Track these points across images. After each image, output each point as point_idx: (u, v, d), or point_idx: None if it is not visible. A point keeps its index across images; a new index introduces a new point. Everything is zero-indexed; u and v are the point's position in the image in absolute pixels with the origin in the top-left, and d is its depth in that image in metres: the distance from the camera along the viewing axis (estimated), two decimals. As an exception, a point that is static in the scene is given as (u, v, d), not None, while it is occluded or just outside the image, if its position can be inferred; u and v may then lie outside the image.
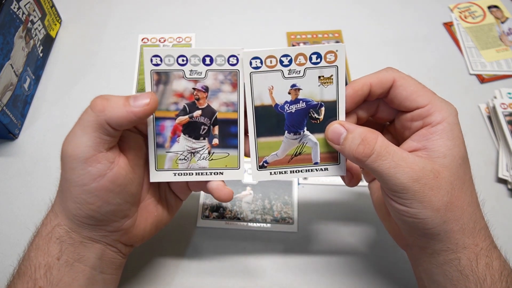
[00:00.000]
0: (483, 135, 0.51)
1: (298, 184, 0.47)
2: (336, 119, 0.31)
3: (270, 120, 0.31)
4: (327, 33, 0.60)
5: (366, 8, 0.64)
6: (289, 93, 0.30)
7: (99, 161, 0.28)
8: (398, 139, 0.33)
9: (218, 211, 0.45)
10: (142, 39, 0.59)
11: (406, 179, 0.27)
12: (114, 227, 0.31)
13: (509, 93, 0.54)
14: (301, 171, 0.32)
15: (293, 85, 0.30)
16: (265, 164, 0.32)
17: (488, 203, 0.45)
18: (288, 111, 0.31)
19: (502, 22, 0.61)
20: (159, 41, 0.59)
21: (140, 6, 0.63)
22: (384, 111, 0.33)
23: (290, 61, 0.30)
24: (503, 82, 0.56)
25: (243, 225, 0.44)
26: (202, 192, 0.46)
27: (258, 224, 0.44)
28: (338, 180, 0.47)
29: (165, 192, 0.36)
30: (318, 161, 0.32)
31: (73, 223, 0.29)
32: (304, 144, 0.32)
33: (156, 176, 0.32)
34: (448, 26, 0.61)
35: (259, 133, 0.31)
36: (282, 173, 0.32)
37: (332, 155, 0.32)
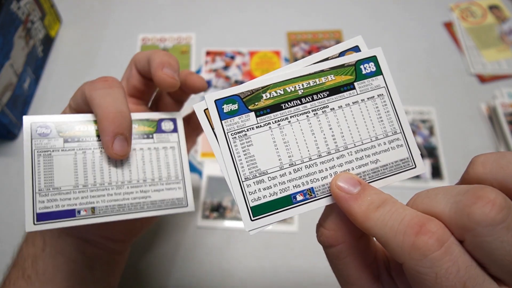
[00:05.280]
0: (483, 135, 0.51)
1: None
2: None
3: None
4: (327, 33, 0.60)
5: (366, 8, 0.64)
6: None
7: None
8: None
9: (218, 211, 0.45)
10: (142, 39, 0.59)
11: None
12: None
13: (510, 93, 0.54)
14: None
15: None
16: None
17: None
18: None
19: (503, 22, 0.61)
20: (159, 41, 0.59)
21: (140, 6, 0.63)
22: None
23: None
24: (503, 82, 0.56)
25: (243, 225, 0.44)
26: (202, 192, 0.46)
27: (258, 224, 0.44)
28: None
29: None
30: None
31: None
32: None
33: None
34: (448, 26, 0.61)
35: None
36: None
37: None
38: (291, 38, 0.59)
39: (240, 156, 0.20)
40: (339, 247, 0.20)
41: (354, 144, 0.21)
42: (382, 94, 0.22)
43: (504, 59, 0.57)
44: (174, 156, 0.28)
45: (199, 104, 0.21)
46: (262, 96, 0.21)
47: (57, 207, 0.25)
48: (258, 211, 0.21)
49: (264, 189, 0.20)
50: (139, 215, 0.26)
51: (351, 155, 0.21)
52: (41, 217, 0.24)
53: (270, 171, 0.20)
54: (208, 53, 0.58)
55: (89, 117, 0.27)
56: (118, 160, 0.26)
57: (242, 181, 0.20)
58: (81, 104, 0.28)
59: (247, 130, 0.21)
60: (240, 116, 0.21)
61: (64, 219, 0.24)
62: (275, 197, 0.20)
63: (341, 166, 0.21)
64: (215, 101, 0.21)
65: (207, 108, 0.21)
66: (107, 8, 0.63)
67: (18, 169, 0.48)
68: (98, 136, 0.27)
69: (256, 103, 0.21)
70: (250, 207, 0.20)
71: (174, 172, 0.28)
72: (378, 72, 0.22)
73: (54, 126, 0.26)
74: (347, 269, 0.20)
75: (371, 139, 0.21)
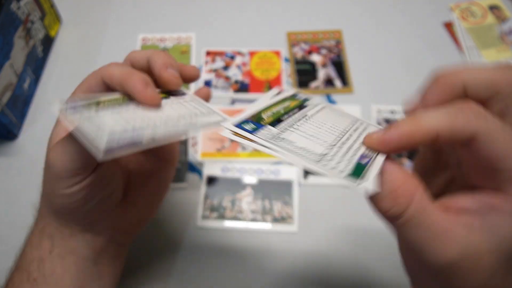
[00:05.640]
0: (483, 135, 0.51)
1: (299, 184, 0.47)
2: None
3: None
4: (327, 33, 0.60)
5: (366, 8, 0.64)
6: None
7: (91, 171, 0.28)
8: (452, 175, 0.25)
9: (218, 211, 0.45)
10: (142, 39, 0.59)
11: (445, 261, 0.20)
12: (99, 217, 0.31)
13: (510, 93, 0.54)
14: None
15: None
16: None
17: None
18: None
19: (503, 22, 0.61)
20: (159, 41, 0.59)
21: (140, 6, 0.63)
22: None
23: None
24: (503, 82, 0.56)
25: (243, 225, 0.44)
26: (202, 192, 0.46)
27: (258, 224, 0.44)
28: (339, 181, 0.47)
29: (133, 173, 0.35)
30: None
31: (58, 218, 0.30)
32: None
33: None
34: (448, 26, 0.61)
35: None
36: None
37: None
38: (291, 38, 0.59)
39: (296, 149, 0.23)
40: (416, 198, 0.20)
41: (345, 129, 0.26)
42: (324, 107, 0.30)
43: (504, 59, 0.57)
44: (195, 101, 0.29)
45: (224, 131, 0.24)
46: (263, 117, 0.26)
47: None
48: (356, 173, 0.21)
49: (337, 163, 0.22)
50: (193, 132, 0.29)
51: (351, 133, 0.26)
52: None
53: (325, 152, 0.23)
54: (208, 53, 0.58)
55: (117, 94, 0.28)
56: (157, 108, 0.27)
57: (317, 162, 0.22)
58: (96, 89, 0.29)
59: (278, 134, 0.24)
60: (262, 129, 0.24)
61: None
62: (352, 164, 0.21)
63: (358, 138, 0.25)
64: (236, 125, 0.24)
65: (234, 132, 0.24)
66: (107, 8, 0.63)
67: (19, 169, 0.48)
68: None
69: (263, 121, 0.25)
70: (348, 174, 0.21)
71: (204, 109, 0.29)
72: (306, 99, 0.31)
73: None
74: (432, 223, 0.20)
75: (351, 125, 0.27)
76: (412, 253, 0.22)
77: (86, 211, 0.29)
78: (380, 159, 0.22)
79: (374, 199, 0.20)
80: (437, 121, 0.20)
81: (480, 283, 0.20)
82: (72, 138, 0.26)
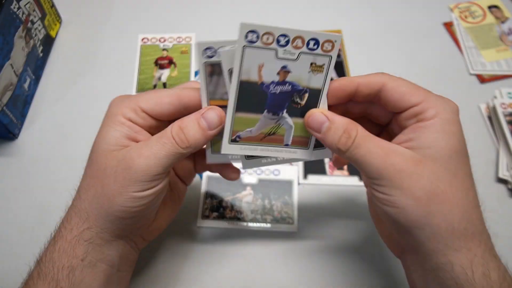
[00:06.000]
0: (483, 135, 0.51)
1: (298, 184, 0.47)
2: (317, 108, 0.31)
3: (252, 97, 0.30)
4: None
5: (366, 8, 0.64)
6: (278, 73, 0.30)
7: (164, 178, 0.30)
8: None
9: (218, 211, 0.45)
10: (142, 39, 0.59)
11: (381, 163, 0.27)
12: (144, 222, 0.33)
13: (509, 93, 0.54)
14: (271, 150, 0.32)
15: (284, 67, 0.30)
16: (238, 139, 0.31)
17: (488, 203, 0.45)
18: (273, 91, 0.30)
19: (502, 22, 0.61)
20: (159, 41, 0.59)
21: (140, 6, 0.63)
22: (380, 111, 0.32)
23: (287, 42, 0.29)
24: (503, 82, 0.56)
25: (243, 225, 0.44)
26: (202, 192, 0.46)
27: (258, 224, 0.44)
28: (339, 180, 0.47)
29: (173, 178, 0.37)
30: (289, 143, 0.32)
31: (109, 222, 0.29)
32: (280, 126, 0.31)
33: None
34: (448, 26, 0.61)
35: (239, 108, 0.30)
36: (251, 149, 0.32)
37: (303, 140, 0.32)
38: (291, 38, 0.59)
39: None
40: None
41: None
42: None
43: (504, 59, 0.57)
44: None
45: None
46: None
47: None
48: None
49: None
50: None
51: None
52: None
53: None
54: (208, 53, 0.58)
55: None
56: None
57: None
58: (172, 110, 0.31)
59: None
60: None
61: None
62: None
63: None
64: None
65: None
66: (107, 8, 0.63)
67: (19, 169, 0.48)
68: None
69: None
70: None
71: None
72: None
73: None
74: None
75: None
76: (366, 180, 0.30)
77: (141, 216, 0.31)
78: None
79: (333, 140, 0.29)
80: (358, 77, 0.30)
81: (426, 189, 0.26)
82: (160, 144, 0.29)
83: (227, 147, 0.31)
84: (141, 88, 0.54)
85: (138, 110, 0.30)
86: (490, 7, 0.63)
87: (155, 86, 0.54)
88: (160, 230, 0.36)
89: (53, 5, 0.58)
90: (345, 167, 0.48)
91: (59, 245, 0.29)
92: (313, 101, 0.31)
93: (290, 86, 0.30)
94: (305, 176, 0.47)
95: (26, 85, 0.51)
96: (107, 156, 0.29)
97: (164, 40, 0.59)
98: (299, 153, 0.33)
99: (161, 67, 0.56)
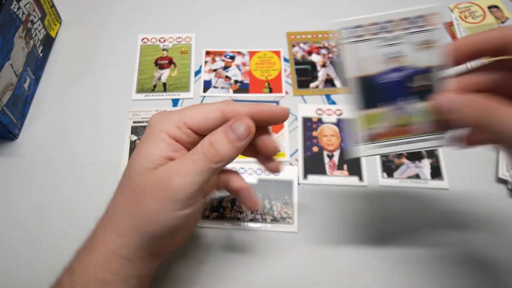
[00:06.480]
0: (483, 135, 0.51)
1: (298, 184, 0.47)
2: (443, 85, 0.29)
3: (373, 90, 0.29)
4: (327, 33, 0.60)
5: (366, 9, 0.64)
6: (389, 61, 0.29)
7: (201, 195, 0.30)
8: None
9: (218, 211, 0.45)
10: (142, 39, 0.59)
11: None
12: (178, 241, 0.33)
13: (509, 93, 0.54)
14: (403, 143, 0.30)
15: (396, 52, 0.29)
16: (369, 138, 0.30)
17: (488, 203, 0.45)
18: (391, 80, 0.29)
19: (502, 22, 0.61)
20: (159, 41, 0.59)
21: (140, 6, 0.63)
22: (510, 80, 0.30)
23: (393, 27, 0.28)
24: (503, 82, 0.56)
25: (243, 225, 0.44)
26: (202, 192, 0.46)
27: (258, 224, 0.44)
28: (339, 181, 0.47)
29: None
30: (423, 131, 0.30)
31: (145, 241, 0.30)
32: (409, 114, 0.30)
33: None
34: (448, 26, 0.61)
35: (363, 105, 0.29)
36: (385, 147, 0.30)
37: (433, 125, 0.30)
38: (291, 38, 0.59)
39: None
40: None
41: None
42: None
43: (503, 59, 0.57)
44: None
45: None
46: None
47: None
48: None
49: None
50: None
51: None
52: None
53: None
54: (208, 53, 0.58)
55: None
56: None
57: None
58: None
59: None
60: None
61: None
62: None
63: None
64: None
65: None
66: (107, 8, 0.63)
67: (19, 169, 0.48)
68: None
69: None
70: None
71: None
72: None
73: None
74: None
75: None
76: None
77: (177, 235, 0.31)
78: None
79: (471, 117, 0.27)
80: (486, 33, 0.29)
81: None
82: (192, 161, 0.29)
83: (360, 150, 0.30)
84: (141, 88, 0.54)
85: (182, 127, 0.30)
86: (490, 7, 0.63)
87: (155, 86, 0.54)
88: (178, 246, 0.35)
89: (53, 5, 0.58)
90: (345, 167, 0.48)
91: (93, 257, 0.29)
92: (435, 81, 0.29)
93: (408, 70, 0.29)
94: (305, 176, 0.47)
95: (26, 85, 0.51)
96: (144, 174, 0.29)
97: (164, 40, 0.59)
98: (433, 141, 0.30)
99: (161, 67, 0.56)
